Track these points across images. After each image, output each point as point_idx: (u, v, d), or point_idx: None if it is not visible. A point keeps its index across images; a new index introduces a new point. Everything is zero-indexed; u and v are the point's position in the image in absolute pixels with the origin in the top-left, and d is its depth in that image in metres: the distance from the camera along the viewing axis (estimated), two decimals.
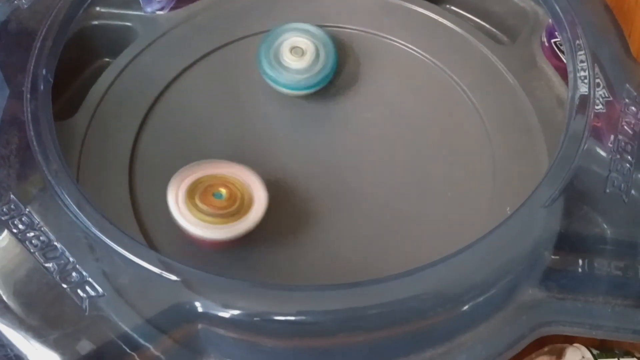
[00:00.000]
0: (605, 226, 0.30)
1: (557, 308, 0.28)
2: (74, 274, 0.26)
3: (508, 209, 0.33)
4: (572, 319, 0.28)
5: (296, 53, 0.37)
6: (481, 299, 0.28)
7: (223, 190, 0.31)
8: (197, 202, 0.31)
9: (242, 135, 0.37)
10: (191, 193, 0.31)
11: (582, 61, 0.32)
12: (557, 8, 0.34)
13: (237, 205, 0.31)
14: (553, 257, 0.29)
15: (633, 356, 0.28)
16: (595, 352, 0.28)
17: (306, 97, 0.38)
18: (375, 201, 0.35)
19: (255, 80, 0.39)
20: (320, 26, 0.39)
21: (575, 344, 0.28)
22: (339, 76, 0.39)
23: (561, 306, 0.28)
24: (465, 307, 0.28)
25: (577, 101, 0.31)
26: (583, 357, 0.28)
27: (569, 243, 0.29)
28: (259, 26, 0.41)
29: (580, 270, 0.29)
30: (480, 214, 0.34)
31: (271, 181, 0.35)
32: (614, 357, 0.28)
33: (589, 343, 0.29)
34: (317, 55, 0.37)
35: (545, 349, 0.29)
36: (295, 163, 0.36)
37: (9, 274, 0.27)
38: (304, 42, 0.37)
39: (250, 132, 0.37)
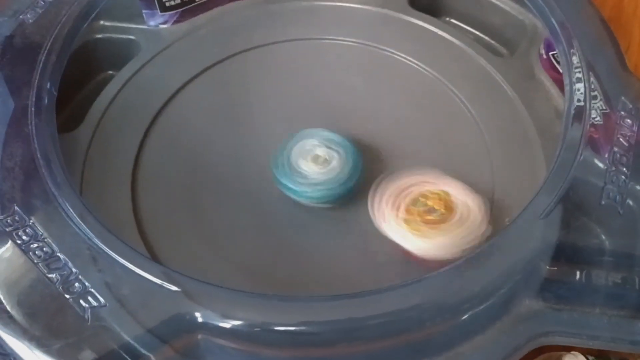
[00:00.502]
0: (603, 237, 0.30)
1: (554, 319, 0.29)
2: (76, 284, 0.27)
3: (507, 219, 0.33)
4: (569, 330, 0.28)
5: (318, 162, 0.34)
6: (479, 309, 0.28)
7: (431, 203, 0.31)
8: (417, 224, 0.30)
9: (245, 146, 0.38)
10: (407, 220, 0.31)
11: (578, 74, 0.33)
12: (554, 21, 0.35)
13: (454, 213, 0.31)
14: (550, 268, 0.29)
15: None
16: (591, 358, 0.28)
17: (307, 109, 0.39)
18: None
19: (258, 93, 0.40)
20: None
21: (572, 352, 0.29)
22: (340, 87, 0.40)
23: (558, 317, 0.29)
24: (463, 318, 0.28)
25: (573, 112, 0.32)
26: None
27: (566, 254, 0.29)
28: (261, 39, 0.42)
29: (577, 281, 0.29)
30: None
31: (273, 200, 0.35)
32: None
33: (586, 351, 0.29)
34: (343, 163, 0.34)
35: (541, 357, 0.29)
36: None
37: (12, 284, 0.28)
38: (324, 151, 0.34)
39: (252, 143, 0.38)
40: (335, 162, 0.34)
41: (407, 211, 0.31)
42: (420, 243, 0.30)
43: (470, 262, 0.28)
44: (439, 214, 0.31)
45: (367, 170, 0.35)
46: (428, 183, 0.32)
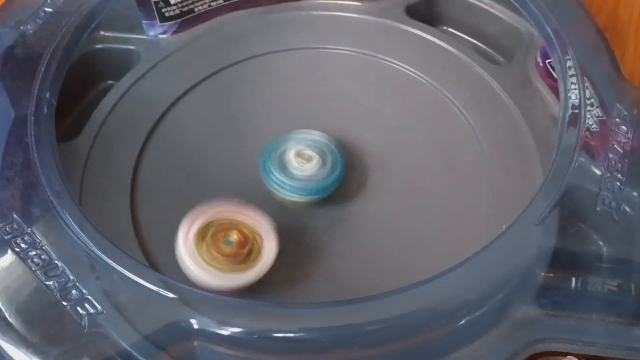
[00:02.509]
0: (600, 243, 0.30)
1: (550, 325, 0.29)
2: (74, 291, 0.27)
3: (504, 226, 0.33)
4: (566, 336, 0.28)
5: (303, 159, 0.35)
6: (475, 315, 0.28)
7: (234, 237, 0.30)
8: (207, 247, 0.30)
9: (244, 156, 0.38)
10: (201, 237, 0.30)
11: (573, 81, 0.33)
12: (549, 29, 0.35)
13: (247, 253, 0.30)
14: (546, 274, 0.29)
15: None
16: None
17: (305, 118, 0.39)
18: (372, 219, 0.35)
19: (256, 102, 0.40)
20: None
21: (568, 357, 0.29)
22: (338, 97, 0.40)
23: (555, 323, 0.29)
24: (460, 324, 0.28)
25: (568, 119, 0.32)
26: None
27: (562, 260, 0.29)
28: (259, 49, 0.42)
29: (573, 287, 0.29)
30: (476, 231, 0.34)
31: (271, 197, 0.35)
32: None
33: (582, 355, 0.29)
34: (324, 161, 0.35)
35: None
36: None
37: (10, 292, 0.28)
38: (309, 150, 0.35)
39: (251, 152, 0.38)
40: (316, 159, 0.35)
41: (200, 243, 0.30)
42: (216, 277, 0.30)
43: (466, 268, 0.28)
44: (234, 245, 0.30)
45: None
46: (223, 213, 0.31)
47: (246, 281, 0.30)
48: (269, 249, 0.31)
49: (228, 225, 0.31)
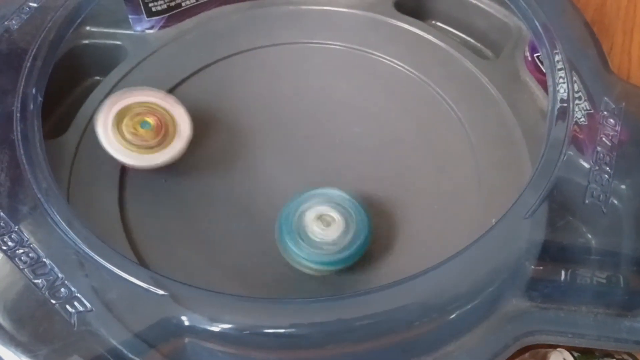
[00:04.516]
0: (589, 236, 0.30)
1: (540, 318, 0.29)
2: (62, 289, 0.27)
3: (493, 220, 0.34)
4: (556, 329, 0.29)
5: (323, 223, 0.31)
6: (466, 309, 0.28)
7: (150, 120, 0.34)
8: (124, 129, 0.34)
9: (232, 150, 0.38)
10: (119, 119, 0.34)
11: (561, 75, 0.33)
12: (537, 23, 0.35)
13: (162, 137, 0.34)
14: (536, 267, 0.29)
15: (613, 357, 0.29)
16: (576, 354, 0.29)
17: (293, 113, 0.39)
18: None
19: (244, 97, 0.40)
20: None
21: (558, 349, 0.29)
22: (327, 91, 0.40)
23: (545, 316, 0.29)
24: (450, 317, 0.28)
25: (556, 113, 0.32)
26: (564, 359, 0.28)
27: (551, 253, 0.29)
28: (248, 44, 0.42)
29: (563, 280, 0.29)
30: (466, 225, 0.34)
31: (260, 203, 0.35)
32: (594, 359, 0.29)
33: (571, 347, 0.29)
34: (347, 226, 0.32)
35: (527, 354, 0.29)
36: (284, 176, 0.37)
37: None
38: (331, 212, 0.32)
39: (240, 147, 0.38)
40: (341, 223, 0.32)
41: (119, 125, 0.34)
42: (132, 157, 0.34)
43: (457, 262, 0.28)
44: (150, 129, 0.34)
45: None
46: (142, 97, 0.35)
47: (159, 162, 0.34)
48: (183, 136, 0.34)
49: (144, 109, 0.34)
